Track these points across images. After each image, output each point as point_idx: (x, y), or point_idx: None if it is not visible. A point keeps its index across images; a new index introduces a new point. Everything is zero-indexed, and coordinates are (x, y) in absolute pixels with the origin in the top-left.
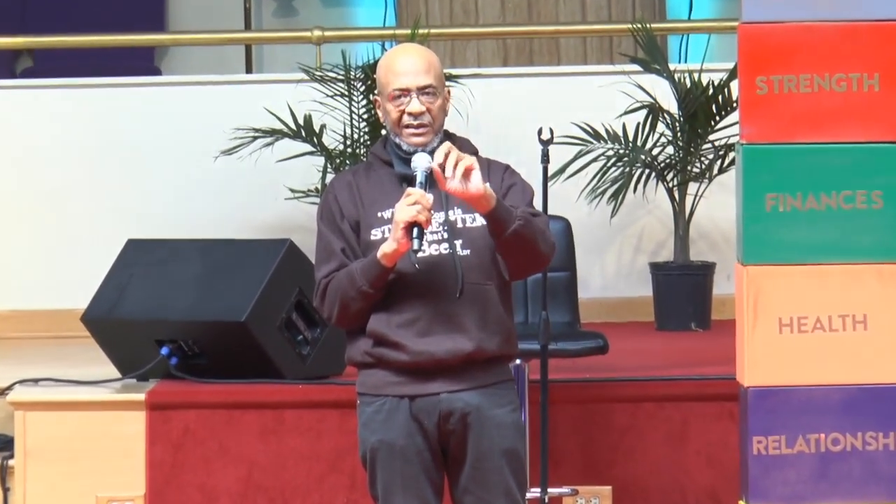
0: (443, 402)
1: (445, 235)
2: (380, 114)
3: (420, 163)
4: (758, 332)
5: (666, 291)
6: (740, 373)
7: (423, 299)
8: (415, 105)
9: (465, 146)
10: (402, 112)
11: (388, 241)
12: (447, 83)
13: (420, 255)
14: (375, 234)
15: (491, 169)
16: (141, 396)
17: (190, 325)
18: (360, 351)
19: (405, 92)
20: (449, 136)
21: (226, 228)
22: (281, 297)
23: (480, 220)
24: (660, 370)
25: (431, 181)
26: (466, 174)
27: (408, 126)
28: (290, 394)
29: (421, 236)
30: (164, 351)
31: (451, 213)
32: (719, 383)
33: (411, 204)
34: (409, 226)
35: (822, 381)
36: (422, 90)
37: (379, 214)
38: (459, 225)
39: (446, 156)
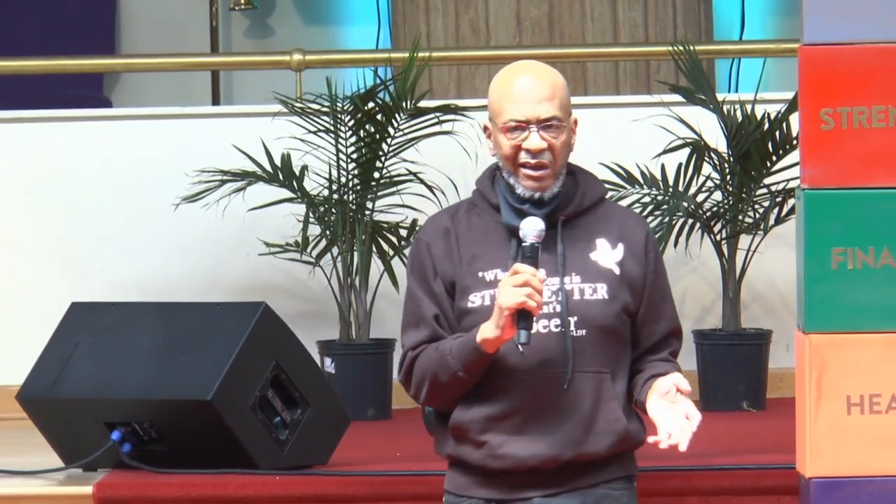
0: None
1: (558, 308)
2: (489, 143)
3: (530, 229)
4: (822, 413)
5: (713, 364)
6: (801, 461)
7: (522, 388)
8: (534, 141)
9: (592, 185)
10: (518, 148)
11: (489, 325)
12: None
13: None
14: (474, 300)
15: (626, 230)
16: (88, 489)
17: (146, 405)
18: (444, 448)
19: (523, 125)
20: (571, 173)
21: (188, 289)
22: (254, 371)
23: (602, 292)
24: (706, 458)
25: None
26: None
27: (524, 165)
28: (266, 487)
29: (529, 327)
30: (115, 436)
31: (567, 280)
32: (776, 474)
33: (518, 285)
34: (515, 312)
35: None
36: (543, 124)
37: (480, 275)
38: (576, 297)
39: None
